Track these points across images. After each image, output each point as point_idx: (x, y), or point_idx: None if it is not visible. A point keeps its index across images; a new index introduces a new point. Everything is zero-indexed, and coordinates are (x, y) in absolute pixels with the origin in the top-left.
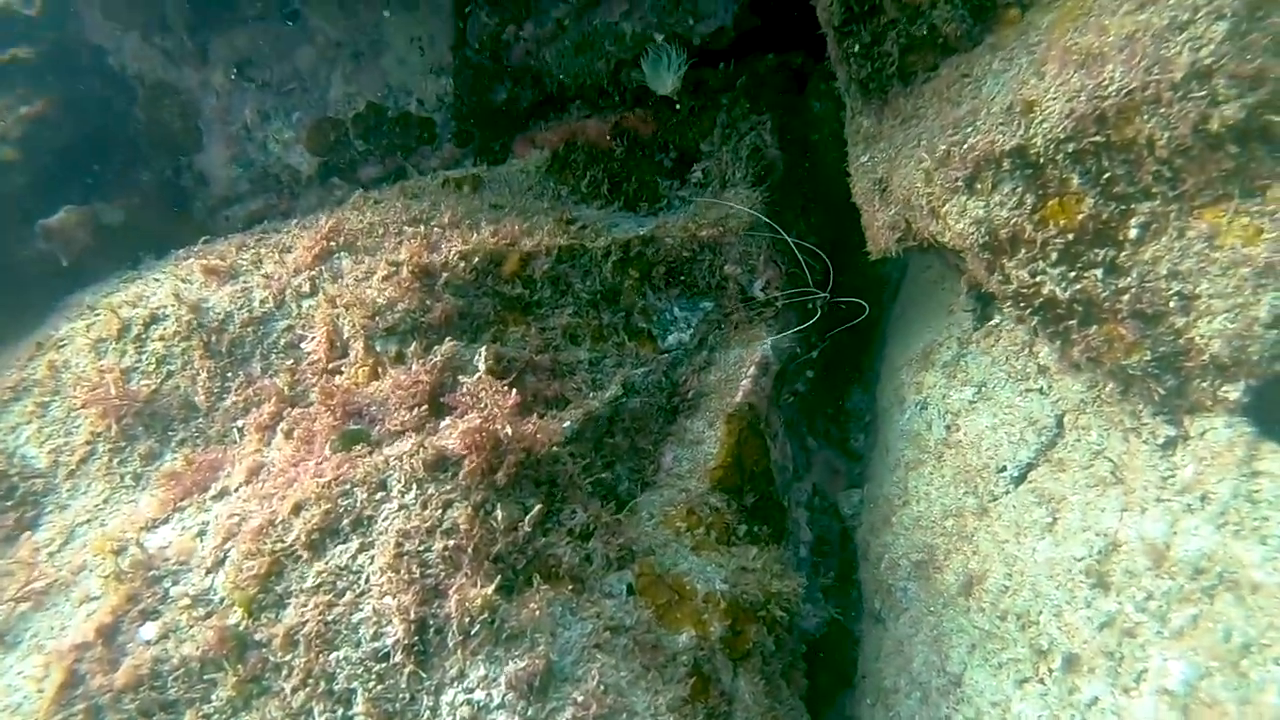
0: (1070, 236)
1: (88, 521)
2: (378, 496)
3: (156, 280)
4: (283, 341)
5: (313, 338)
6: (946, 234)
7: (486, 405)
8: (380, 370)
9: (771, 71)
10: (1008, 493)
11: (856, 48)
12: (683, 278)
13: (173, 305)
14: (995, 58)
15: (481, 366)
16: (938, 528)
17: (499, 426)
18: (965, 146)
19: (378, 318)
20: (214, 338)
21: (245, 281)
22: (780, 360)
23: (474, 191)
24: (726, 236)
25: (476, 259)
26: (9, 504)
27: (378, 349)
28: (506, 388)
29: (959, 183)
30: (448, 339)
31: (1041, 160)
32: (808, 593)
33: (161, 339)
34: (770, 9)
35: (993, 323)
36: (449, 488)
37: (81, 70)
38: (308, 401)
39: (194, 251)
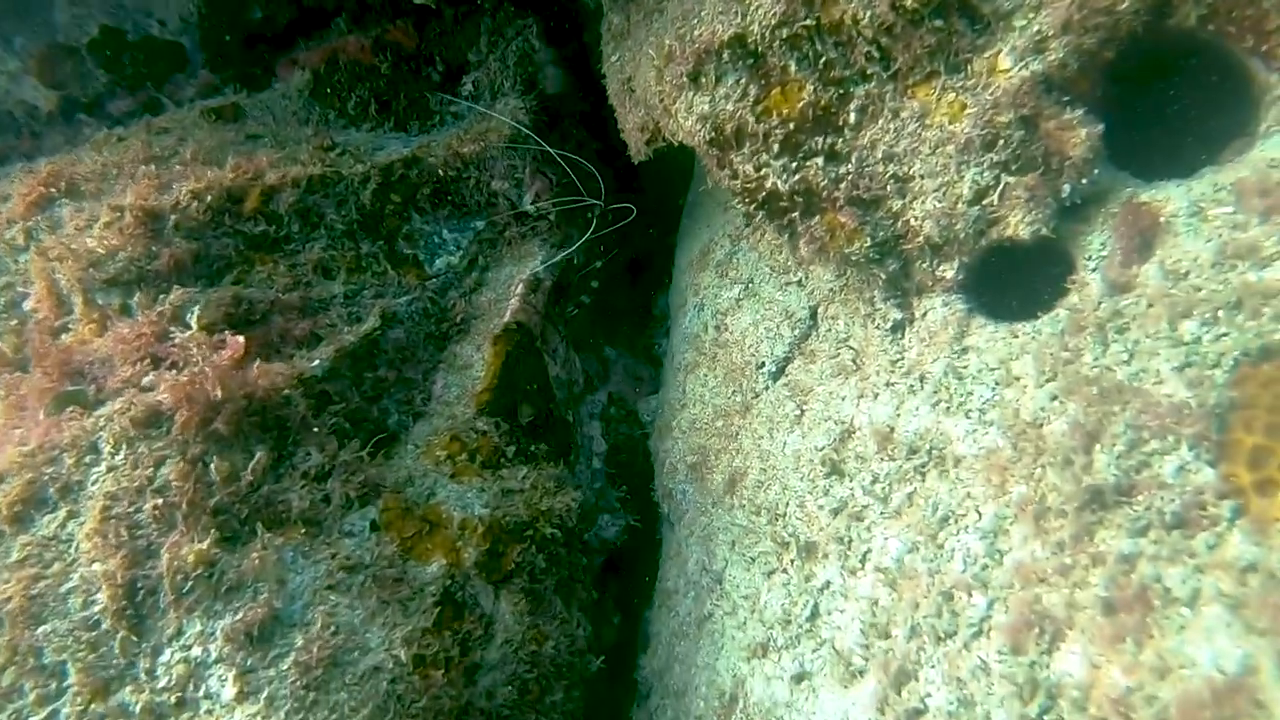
0: (792, 126)
1: None
2: (87, 460)
3: None
4: (2, 301)
5: (32, 295)
6: (680, 132)
7: (198, 361)
8: (108, 325)
9: None
10: (767, 388)
11: None
12: (450, 198)
13: None
14: None
15: (193, 324)
16: (710, 429)
17: (209, 387)
18: (688, 39)
19: (95, 269)
20: None
21: None
22: (553, 274)
23: (234, 121)
24: (489, 151)
25: (211, 197)
26: None
27: (100, 302)
28: (230, 336)
29: (684, 78)
30: (177, 287)
31: (759, 48)
32: (606, 502)
33: None
34: None
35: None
36: (161, 444)
37: None
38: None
39: None
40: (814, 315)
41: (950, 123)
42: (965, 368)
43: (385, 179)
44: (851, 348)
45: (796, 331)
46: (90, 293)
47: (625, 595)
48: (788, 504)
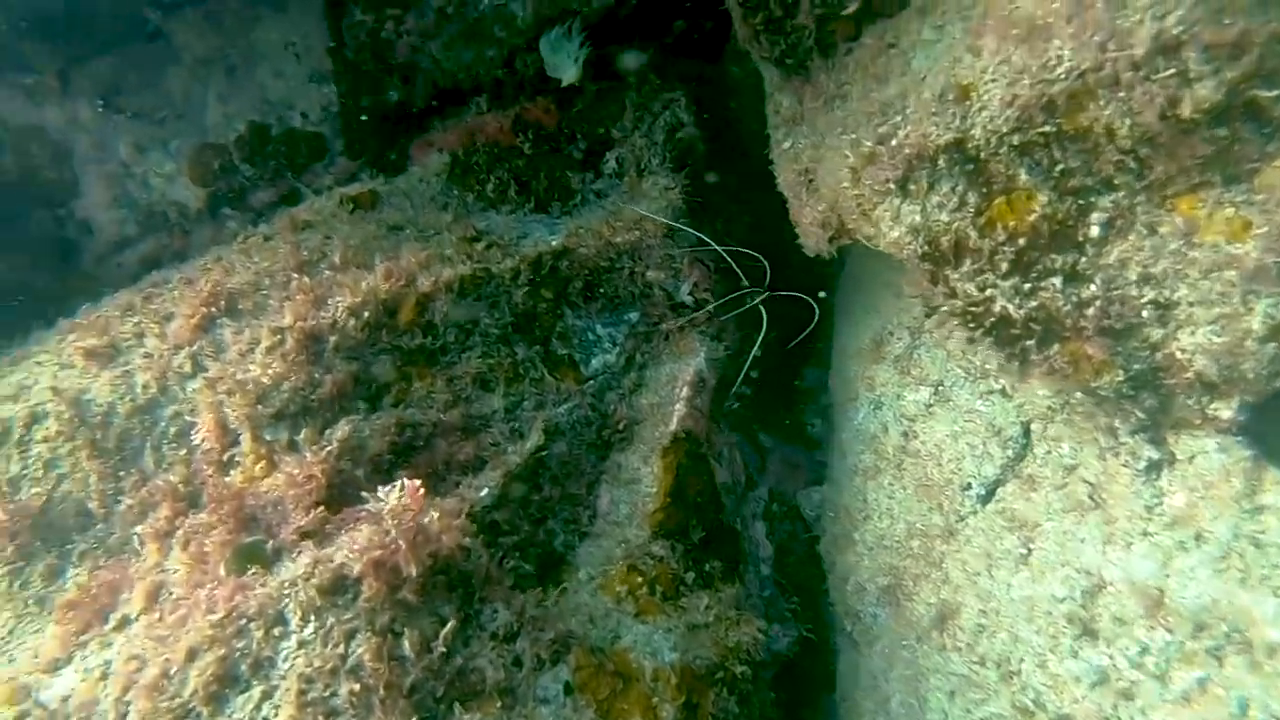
0: (1022, 241)
1: None
2: (275, 632)
3: (38, 364)
4: (172, 430)
5: (199, 427)
6: (881, 241)
7: (389, 528)
8: (276, 461)
9: (681, 39)
10: (975, 513)
11: (765, 23)
12: (603, 290)
13: (52, 401)
14: (925, 24)
15: (391, 499)
16: (903, 548)
17: (401, 562)
18: (894, 143)
19: (262, 403)
20: (100, 434)
21: (126, 362)
22: (718, 371)
23: (372, 208)
24: (645, 239)
25: (368, 312)
26: None
27: (268, 438)
28: (409, 483)
29: (890, 184)
30: (343, 420)
31: (982, 155)
32: (776, 611)
33: (45, 440)
34: None
35: (946, 309)
36: (350, 615)
37: None
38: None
39: (77, 322)
40: (1027, 433)
41: (1229, 243)
42: (1263, 533)
43: (536, 274)
44: (1086, 481)
45: (1009, 452)
46: (259, 429)
47: (794, 704)
48: (1022, 660)
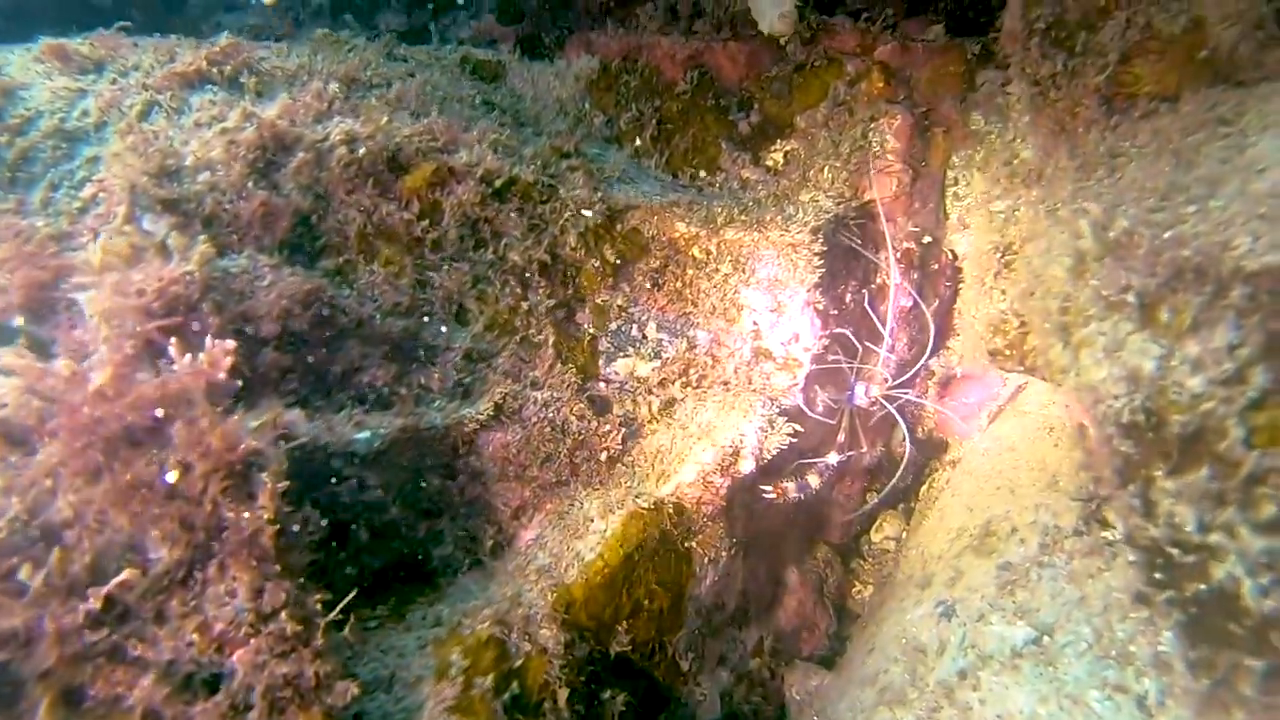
0: None
1: None
2: None
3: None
4: (80, 175)
5: (94, 181)
6: (1069, 379)
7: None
8: (140, 256)
9: (939, 51)
10: None
11: (1050, 25)
12: (681, 287)
13: None
14: None
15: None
16: None
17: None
18: (1167, 236)
19: (161, 179)
20: (5, 136)
21: (93, 81)
22: (765, 458)
23: (492, 81)
24: (762, 247)
25: (367, 149)
26: None
27: (145, 227)
28: (215, 345)
29: (1128, 297)
30: (248, 250)
31: None
32: None
33: None
34: None
35: (1107, 536)
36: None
37: None
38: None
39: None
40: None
41: None
42: None
43: (610, 224)
44: None
45: None
46: (137, 207)
47: None
48: None
